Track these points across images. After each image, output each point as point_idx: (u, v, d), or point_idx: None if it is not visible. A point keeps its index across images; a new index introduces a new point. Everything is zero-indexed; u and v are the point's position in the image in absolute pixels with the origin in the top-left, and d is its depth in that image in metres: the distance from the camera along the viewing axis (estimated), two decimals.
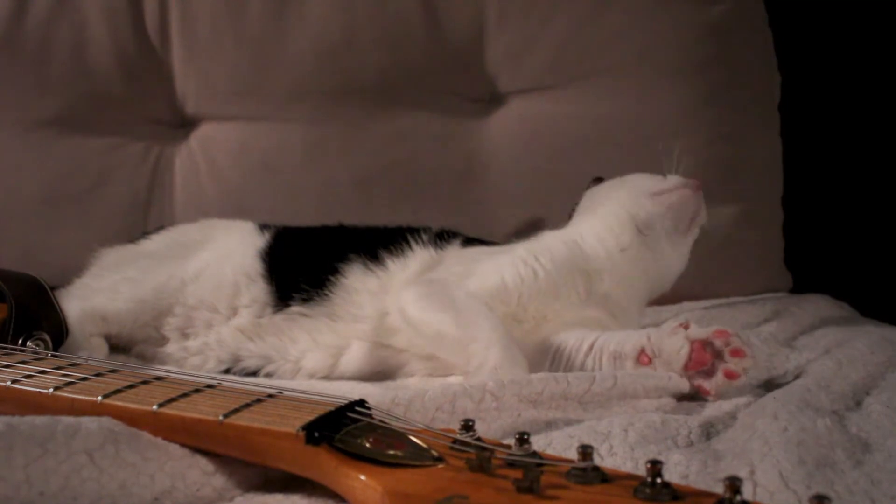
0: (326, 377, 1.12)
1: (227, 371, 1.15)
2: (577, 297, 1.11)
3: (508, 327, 1.03)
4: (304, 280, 1.16)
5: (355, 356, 1.11)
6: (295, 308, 1.15)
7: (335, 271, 1.15)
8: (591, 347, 1.00)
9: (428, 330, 1.04)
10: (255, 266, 1.20)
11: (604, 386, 0.87)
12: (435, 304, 1.05)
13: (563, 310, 1.11)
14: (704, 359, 0.90)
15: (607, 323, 1.11)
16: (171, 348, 1.19)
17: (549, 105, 1.65)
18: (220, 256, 1.23)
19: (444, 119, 1.65)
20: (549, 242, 1.17)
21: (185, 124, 1.66)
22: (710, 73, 1.67)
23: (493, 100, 1.68)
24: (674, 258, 1.21)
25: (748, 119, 1.69)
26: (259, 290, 1.18)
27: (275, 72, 1.64)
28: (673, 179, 1.21)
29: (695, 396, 0.92)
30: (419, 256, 1.16)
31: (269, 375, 1.12)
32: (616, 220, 1.17)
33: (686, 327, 0.92)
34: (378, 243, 1.16)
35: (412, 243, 1.17)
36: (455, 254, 1.16)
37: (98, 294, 1.21)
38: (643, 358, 0.94)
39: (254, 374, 1.13)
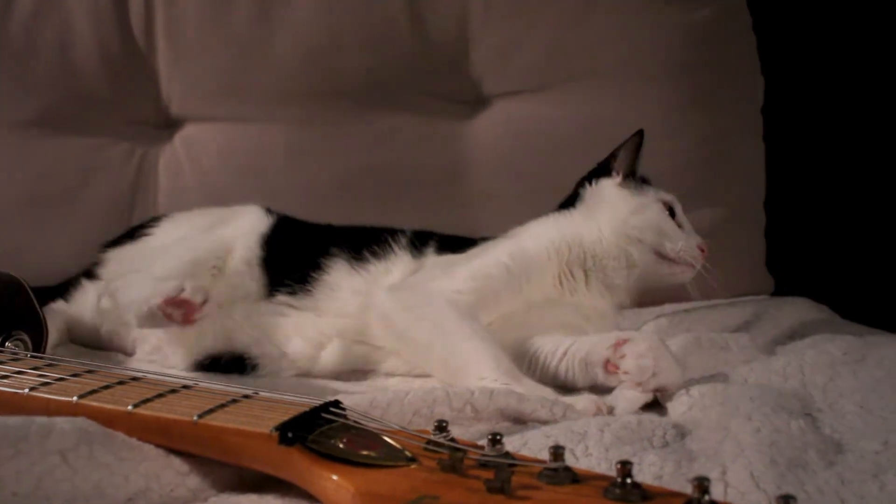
0: (308, 371, 1.13)
1: (217, 358, 1.15)
2: (554, 299, 1.13)
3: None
4: (290, 273, 1.17)
5: (336, 351, 1.12)
6: (282, 298, 1.16)
7: (318, 267, 1.16)
8: (564, 354, 1.02)
9: (414, 347, 1.06)
10: (255, 252, 1.21)
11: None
12: (421, 322, 1.05)
13: (537, 312, 1.12)
14: None
15: (582, 327, 1.12)
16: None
17: (533, 107, 1.65)
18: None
19: (429, 121, 1.66)
20: (529, 245, 1.17)
21: (169, 125, 1.66)
22: (695, 77, 1.68)
23: (478, 102, 1.68)
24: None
25: (732, 122, 1.70)
26: (255, 277, 1.19)
27: (260, 73, 1.64)
28: (684, 249, 1.19)
29: None
30: (400, 260, 1.17)
31: (254, 362, 1.13)
32: (611, 250, 1.17)
33: (620, 344, 0.95)
34: (361, 243, 1.17)
35: (393, 245, 1.18)
36: (433, 260, 1.17)
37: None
38: (610, 367, 0.96)
39: (241, 357, 1.14)
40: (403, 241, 1.19)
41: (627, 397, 0.93)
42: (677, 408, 0.87)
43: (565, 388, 1.03)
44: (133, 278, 1.15)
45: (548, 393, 0.92)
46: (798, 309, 1.40)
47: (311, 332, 1.13)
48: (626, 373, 0.93)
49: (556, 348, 1.03)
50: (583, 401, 0.90)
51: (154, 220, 1.33)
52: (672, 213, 1.21)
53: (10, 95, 1.59)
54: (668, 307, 1.46)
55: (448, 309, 1.04)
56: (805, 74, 1.87)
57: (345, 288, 1.15)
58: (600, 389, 0.99)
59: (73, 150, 1.61)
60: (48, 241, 1.56)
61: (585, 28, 1.67)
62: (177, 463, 0.65)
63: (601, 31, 1.67)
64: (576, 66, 1.67)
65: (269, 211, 1.28)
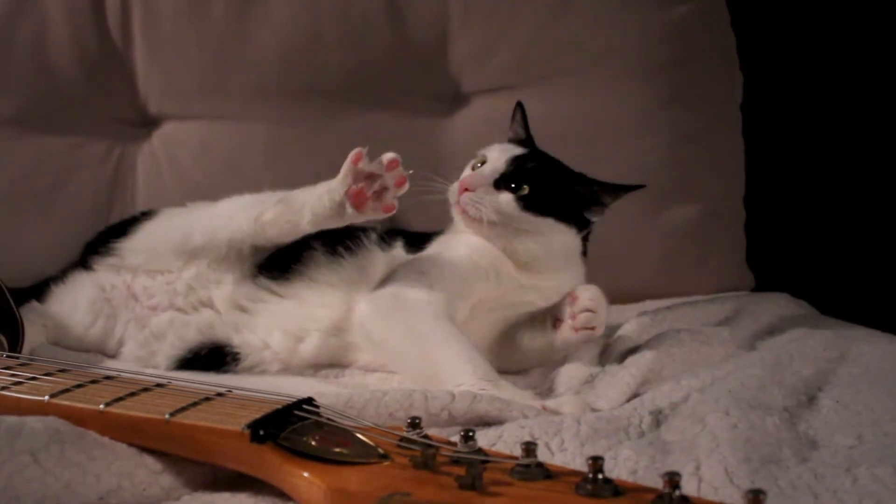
0: (287, 363, 1.13)
1: (198, 351, 1.14)
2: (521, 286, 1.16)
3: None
4: (274, 259, 1.18)
5: (314, 343, 1.13)
6: (264, 282, 1.17)
7: (299, 259, 1.17)
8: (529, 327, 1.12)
9: (391, 356, 1.07)
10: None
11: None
12: (395, 331, 1.06)
13: (504, 300, 1.15)
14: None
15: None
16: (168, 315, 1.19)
17: (512, 105, 1.65)
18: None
19: (408, 119, 1.65)
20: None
21: (147, 123, 1.65)
22: (674, 74, 1.68)
23: (457, 99, 1.68)
24: (532, 237, 1.15)
25: (711, 119, 1.70)
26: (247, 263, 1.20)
27: (238, 71, 1.62)
28: (450, 191, 1.16)
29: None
30: (371, 255, 1.18)
31: (235, 353, 1.13)
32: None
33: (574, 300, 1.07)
34: (335, 238, 1.18)
35: (364, 240, 1.19)
36: (402, 258, 1.18)
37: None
38: (557, 323, 1.08)
39: (222, 348, 1.13)
40: (374, 236, 1.20)
41: (610, 395, 0.94)
42: (674, 392, 0.87)
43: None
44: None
45: (526, 396, 0.93)
46: (778, 304, 1.40)
47: (290, 324, 1.14)
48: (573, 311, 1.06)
49: (525, 325, 1.11)
50: (568, 404, 0.90)
51: (147, 213, 1.32)
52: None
53: None
54: (649, 303, 1.47)
55: (422, 314, 1.04)
56: (784, 71, 1.88)
57: (321, 281, 1.16)
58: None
59: (51, 148, 1.59)
60: (25, 239, 1.54)
61: (564, 25, 1.67)
62: (149, 462, 0.64)
63: (580, 28, 1.67)
64: (554, 64, 1.66)
65: None
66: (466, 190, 1.13)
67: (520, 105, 1.30)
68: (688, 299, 1.47)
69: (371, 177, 1.05)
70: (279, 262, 1.18)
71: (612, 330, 1.25)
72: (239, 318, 1.16)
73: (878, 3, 1.84)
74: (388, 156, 1.05)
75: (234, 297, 1.18)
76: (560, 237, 1.17)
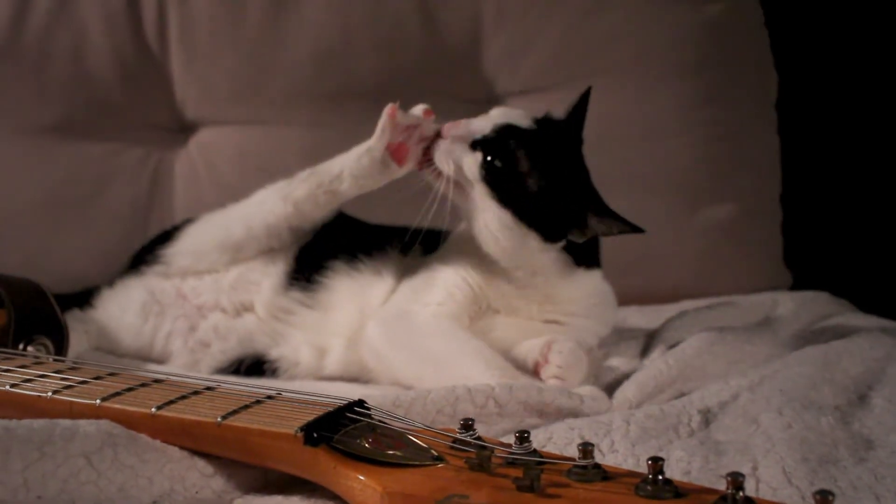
0: (317, 372, 1.12)
1: (238, 361, 1.14)
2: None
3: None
4: (300, 271, 1.17)
5: (337, 354, 1.12)
6: (295, 294, 1.16)
7: (322, 268, 1.15)
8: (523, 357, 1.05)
9: (409, 381, 1.02)
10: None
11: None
12: (408, 354, 1.03)
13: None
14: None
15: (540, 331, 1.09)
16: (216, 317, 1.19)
17: (546, 106, 1.62)
18: None
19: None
20: None
21: (184, 129, 1.66)
22: (708, 73, 1.67)
23: (491, 101, 1.67)
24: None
25: (745, 118, 1.69)
26: (280, 268, 1.19)
27: (273, 76, 1.63)
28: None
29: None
30: (390, 259, 1.15)
31: (273, 366, 1.12)
32: None
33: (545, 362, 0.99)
34: (357, 242, 1.17)
35: (385, 245, 1.16)
36: (420, 262, 1.15)
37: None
38: (538, 367, 1.00)
39: (262, 361, 1.13)
40: (395, 240, 1.17)
41: (639, 379, 0.94)
42: (722, 390, 0.87)
43: None
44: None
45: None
46: (818, 303, 1.39)
47: (314, 336, 1.13)
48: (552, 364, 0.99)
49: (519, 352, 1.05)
50: (587, 392, 0.91)
51: (188, 220, 1.32)
52: None
53: (27, 102, 1.59)
54: (686, 303, 1.45)
55: (429, 331, 1.03)
56: (818, 68, 1.86)
57: (340, 288, 1.14)
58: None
59: (90, 155, 1.61)
60: (65, 246, 1.56)
61: (597, 26, 1.67)
62: (201, 465, 0.64)
63: (613, 29, 1.67)
64: (588, 64, 1.66)
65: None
66: (441, 138, 1.05)
67: (587, 90, 1.15)
68: (726, 298, 1.46)
69: (408, 129, 1.04)
70: (306, 273, 1.16)
71: (651, 330, 1.24)
72: (276, 328, 1.16)
73: None
74: (421, 106, 1.06)
75: (271, 305, 1.17)
76: (517, 241, 1.03)
